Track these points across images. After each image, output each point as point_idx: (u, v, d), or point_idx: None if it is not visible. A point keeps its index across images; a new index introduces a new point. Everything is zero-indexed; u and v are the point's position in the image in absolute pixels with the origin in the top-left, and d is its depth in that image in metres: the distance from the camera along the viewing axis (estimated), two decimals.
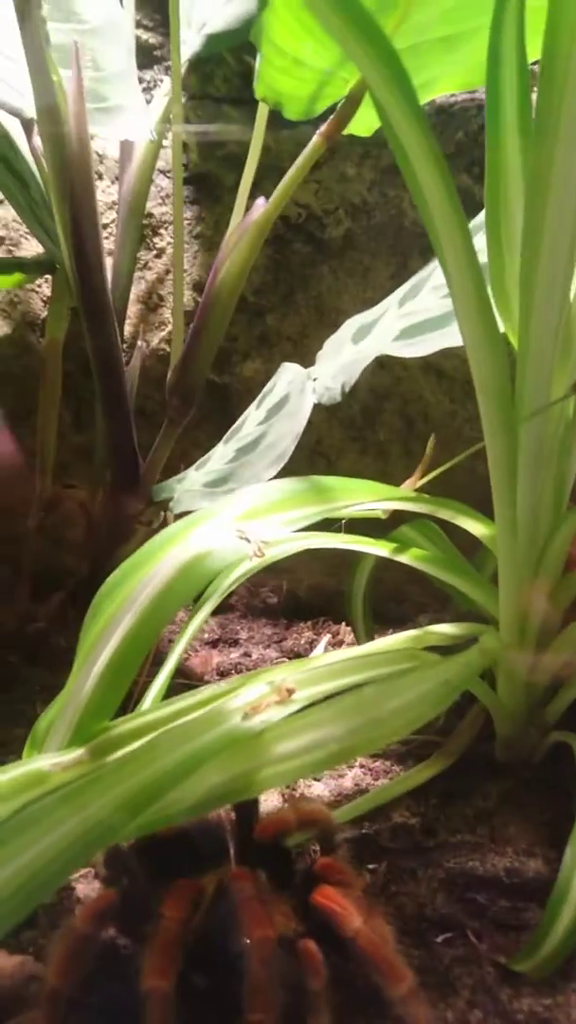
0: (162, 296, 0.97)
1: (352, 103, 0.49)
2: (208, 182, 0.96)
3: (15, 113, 0.71)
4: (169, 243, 0.98)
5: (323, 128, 0.51)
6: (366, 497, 0.56)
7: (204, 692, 0.53)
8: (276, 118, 0.79)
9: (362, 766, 0.70)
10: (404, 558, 0.62)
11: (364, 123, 0.65)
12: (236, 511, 0.52)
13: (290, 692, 0.48)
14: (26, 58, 0.61)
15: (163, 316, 0.97)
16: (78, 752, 0.52)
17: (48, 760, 0.52)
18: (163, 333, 0.97)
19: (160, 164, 0.98)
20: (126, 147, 0.87)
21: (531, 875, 0.55)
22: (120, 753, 0.50)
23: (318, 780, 0.69)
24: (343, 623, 0.94)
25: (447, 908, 0.55)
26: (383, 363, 0.90)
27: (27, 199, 0.70)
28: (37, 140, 0.66)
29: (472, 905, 0.55)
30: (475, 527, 0.59)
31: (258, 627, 0.97)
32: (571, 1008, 0.49)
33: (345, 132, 0.61)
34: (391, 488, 0.56)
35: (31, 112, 0.69)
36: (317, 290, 0.93)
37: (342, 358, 0.72)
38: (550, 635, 0.60)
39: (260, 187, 0.92)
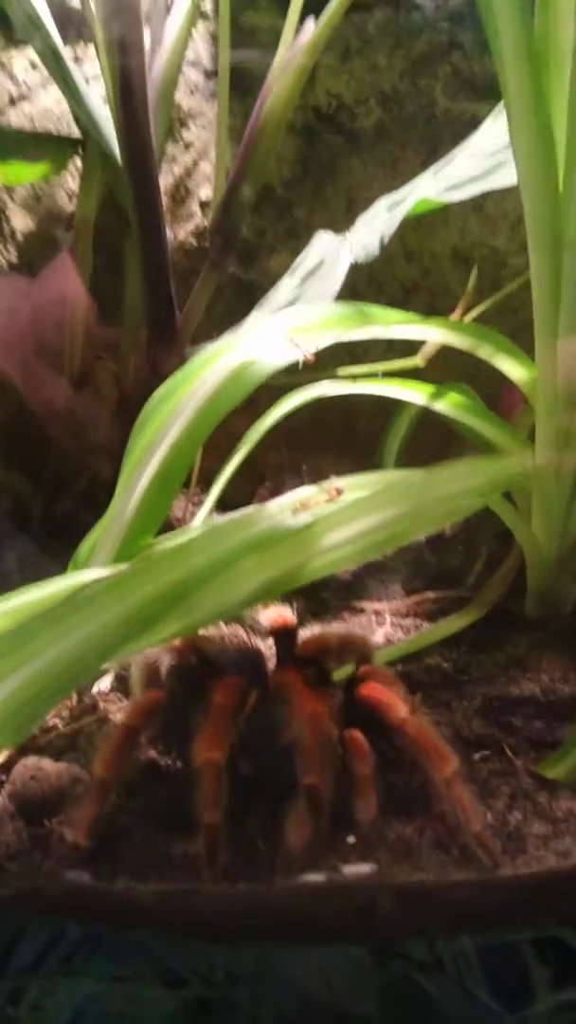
0: (189, 189, 0.97)
1: None
2: (236, 74, 0.96)
3: None
4: (197, 136, 0.98)
5: None
6: (410, 324, 0.57)
7: (249, 508, 0.54)
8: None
9: (392, 623, 0.71)
10: (441, 405, 0.62)
11: None
12: (285, 325, 0.52)
13: (339, 492, 0.48)
14: None
15: (190, 209, 0.97)
16: (123, 567, 0.53)
17: (92, 573, 0.53)
18: (190, 226, 0.97)
19: (189, 56, 0.98)
20: (156, 33, 0.86)
21: (565, 695, 0.56)
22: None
23: None
24: None
25: (483, 730, 0.56)
26: (411, 254, 0.90)
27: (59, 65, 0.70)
28: None
29: (507, 726, 0.56)
30: (514, 369, 0.60)
31: None
32: None
33: None
34: (436, 318, 0.56)
35: None
36: (347, 182, 0.93)
37: (379, 221, 0.72)
38: None
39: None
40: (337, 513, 0.47)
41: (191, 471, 0.56)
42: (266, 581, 0.48)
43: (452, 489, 0.47)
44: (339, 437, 0.99)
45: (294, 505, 0.49)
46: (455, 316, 0.61)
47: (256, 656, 0.57)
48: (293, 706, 0.46)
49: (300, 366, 0.49)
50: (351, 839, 0.45)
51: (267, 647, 0.63)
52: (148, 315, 0.68)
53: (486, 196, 0.90)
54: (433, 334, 0.57)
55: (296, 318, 0.52)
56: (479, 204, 0.87)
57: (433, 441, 0.87)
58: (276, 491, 1.05)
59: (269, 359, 0.50)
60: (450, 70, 0.89)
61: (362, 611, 0.73)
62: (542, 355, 0.57)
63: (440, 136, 0.90)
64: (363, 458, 1.01)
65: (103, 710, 0.59)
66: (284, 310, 0.52)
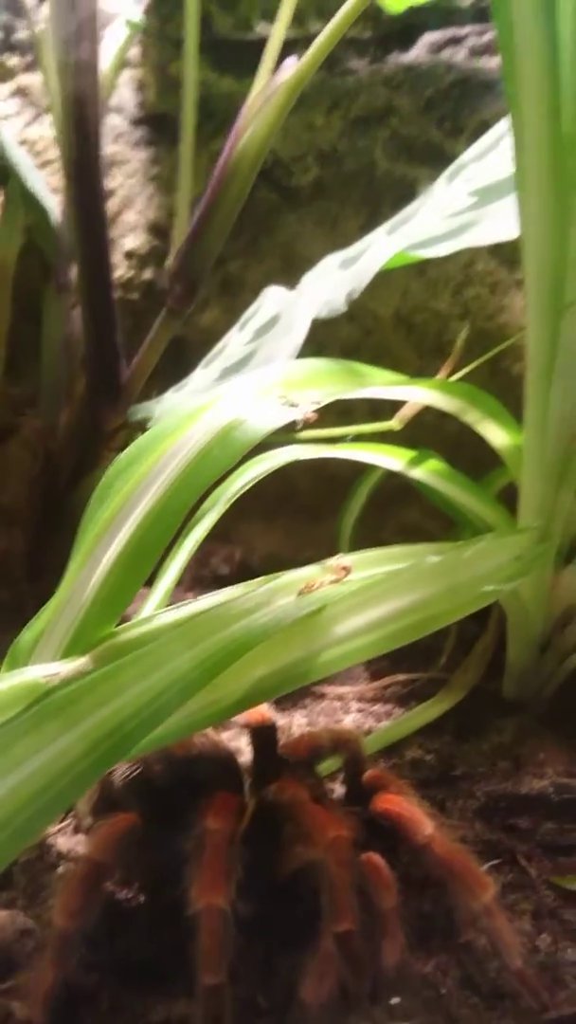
0: (112, 239, 0.91)
1: None
2: (166, 123, 0.92)
3: None
4: (121, 184, 0.92)
5: None
6: (400, 383, 0.52)
7: (233, 588, 0.46)
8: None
9: (359, 710, 0.64)
10: (416, 472, 0.58)
11: None
12: (270, 382, 0.46)
13: (346, 570, 0.42)
14: None
15: (113, 259, 0.90)
16: (81, 660, 0.44)
17: (43, 669, 0.44)
18: (113, 277, 0.90)
19: (114, 102, 0.93)
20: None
21: None
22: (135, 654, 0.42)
23: (312, 726, 0.63)
24: None
25: (489, 835, 0.50)
26: (353, 315, 0.87)
27: None
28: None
29: (514, 830, 0.50)
30: (498, 435, 0.56)
31: None
32: None
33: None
34: (426, 379, 0.52)
35: None
36: (283, 238, 0.90)
37: (337, 277, 0.68)
38: (573, 548, 0.58)
39: (214, 129, 0.89)
40: (350, 596, 0.40)
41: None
42: (266, 678, 0.41)
43: (484, 568, 0.41)
44: (276, 500, 0.94)
45: (292, 586, 0.42)
46: (441, 376, 0.58)
47: (232, 761, 0.49)
48: (309, 830, 0.38)
49: (299, 426, 0.43)
50: (394, 1000, 0.38)
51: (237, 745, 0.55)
52: (91, 367, 0.60)
53: (428, 260, 0.88)
54: (424, 395, 0.52)
55: (284, 374, 0.46)
56: (422, 268, 0.86)
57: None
58: (204, 561, 0.98)
59: (262, 418, 0.43)
60: (389, 133, 0.88)
61: (323, 696, 0.67)
62: (531, 421, 0.54)
63: (380, 197, 0.88)
64: (304, 522, 0.96)
65: (45, 833, 0.49)
66: (266, 367, 0.47)
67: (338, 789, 0.52)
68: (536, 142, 0.45)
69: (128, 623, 0.46)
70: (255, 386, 0.45)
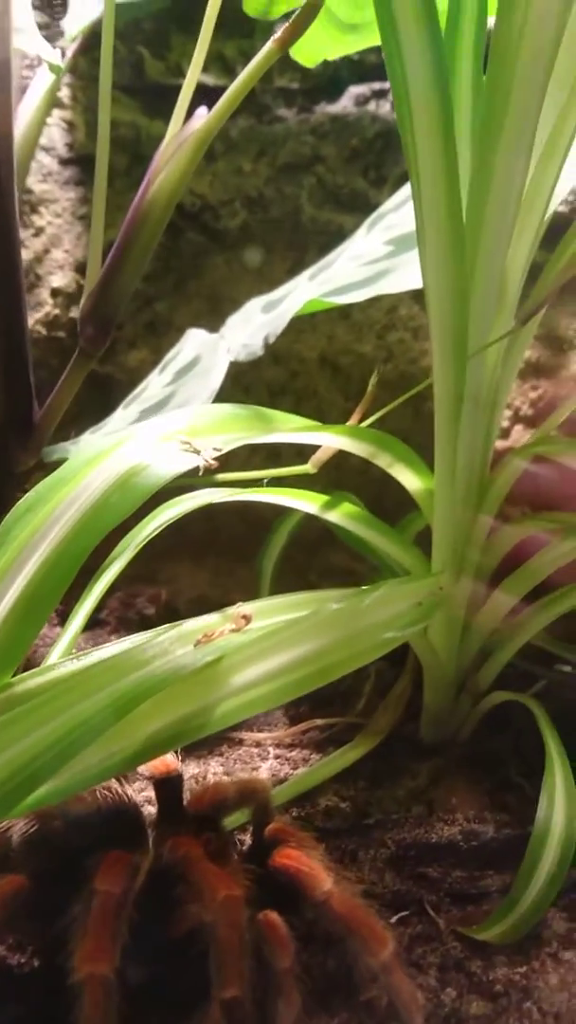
0: (39, 275, 0.90)
1: (310, 11, 0.47)
2: (94, 164, 0.92)
3: None
4: (49, 222, 0.92)
5: (278, 34, 0.49)
6: (308, 429, 0.52)
7: (137, 636, 0.46)
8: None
9: (277, 756, 0.63)
10: (332, 515, 0.58)
11: (311, 51, 0.66)
12: (174, 427, 0.46)
13: (247, 619, 0.42)
14: None
15: (40, 296, 0.90)
16: None
17: None
18: (39, 315, 0.90)
19: (43, 141, 0.93)
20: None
21: (486, 840, 0.51)
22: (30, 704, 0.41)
23: (229, 774, 0.62)
24: None
25: (399, 884, 0.49)
26: (279, 356, 0.88)
27: None
28: None
29: (424, 879, 0.50)
30: (410, 479, 0.57)
31: None
32: (549, 973, 0.44)
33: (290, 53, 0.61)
34: (335, 425, 0.52)
35: None
36: (210, 280, 0.90)
37: (258, 321, 0.68)
38: (484, 589, 0.58)
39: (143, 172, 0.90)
40: (249, 645, 0.40)
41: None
42: (161, 731, 0.40)
43: (383, 616, 0.41)
44: (203, 541, 0.93)
45: (191, 635, 0.41)
46: (353, 421, 0.58)
47: (136, 815, 0.47)
48: (200, 890, 0.37)
49: (200, 472, 0.43)
50: None
51: (143, 797, 0.53)
52: (1, 406, 0.59)
53: (352, 305, 0.90)
54: (333, 440, 0.53)
55: (189, 419, 0.46)
56: (346, 312, 0.87)
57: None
58: (128, 602, 0.96)
59: (163, 464, 0.43)
60: (315, 180, 0.90)
61: (240, 743, 0.65)
62: (441, 466, 0.55)
63: (306, 243, 0.89)
64: (232, 563, 0.95)
65: None
66: (173, 411, 0.46)
67: (248, 840, 0.51)
68: (433, 197, 0.46)
69: (24, 674, 0.45)
70: (158, 431, 0.45)
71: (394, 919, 0.47)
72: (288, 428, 0.50)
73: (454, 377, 0.51)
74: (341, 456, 0.65)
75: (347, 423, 0.57)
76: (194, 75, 0.51)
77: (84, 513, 0.43)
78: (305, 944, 0.42)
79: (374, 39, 0.72)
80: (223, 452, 0.43)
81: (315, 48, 0.68)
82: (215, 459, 0.43)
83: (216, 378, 0.64)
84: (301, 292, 0.68)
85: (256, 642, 0.40)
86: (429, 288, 0.49)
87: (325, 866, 0.40)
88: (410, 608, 0.43)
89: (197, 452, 0.43)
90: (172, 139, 0.51)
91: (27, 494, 0.45)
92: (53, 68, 0.69)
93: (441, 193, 0.45)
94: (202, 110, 0.51)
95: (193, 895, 0.38)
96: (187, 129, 0.50)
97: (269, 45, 0.50)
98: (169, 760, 0.49)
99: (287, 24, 0.49)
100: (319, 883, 0.39)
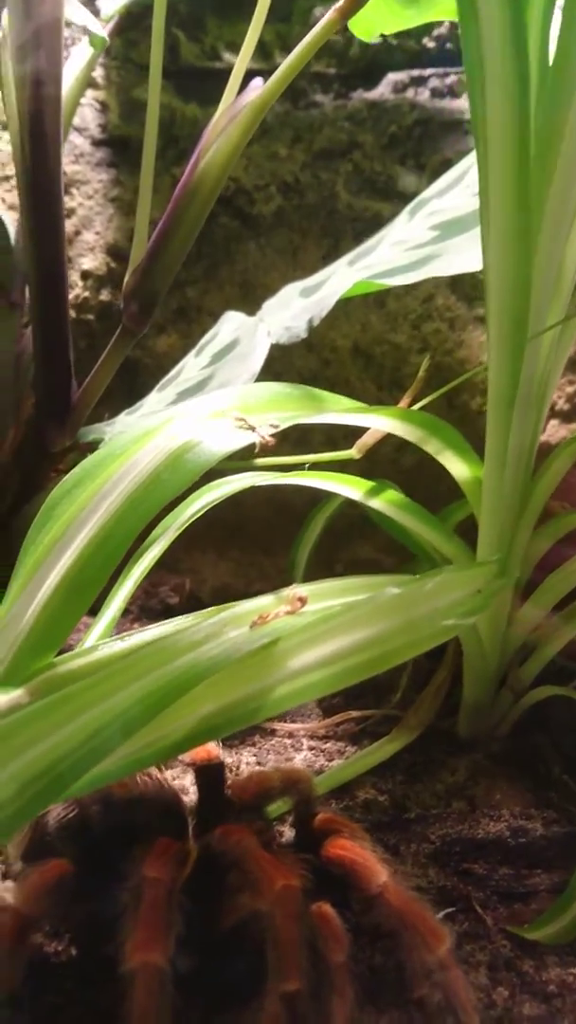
0: (70, 258, 0.89)
1: None
2: (129, 146, 0.91)
3: None
4: (80, 204, 0.91)
5: (340, 3, 0.48)
6: (358, 411, 0.51)
7: (182, 618, 0.44)
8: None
9: (311, 748, 0.62)
10: (374, 502, 0.57)
11: (369, 24, 0.67)
12: (225, 404, 0.44)
13: (302, 601, 0.40)
14: None
15: (70, 279, 0.89)
16: (16, 693, 0.41)
17: None
18: (69, 297, 0.88)
19: (76, 122, 0.92)
20: None
21: (535, 837, 0.49)
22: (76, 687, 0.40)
23: (262, 764, 0.60)
24: None
25: (443, 880, 0.48)
26: (312, 345, 0.87)
27: None
28: None
29: (470, 875, 0.48)
30: (458, 466, 0.55)
31: None
32: None
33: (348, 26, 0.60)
34: (386, 407, 0.51)
35: None
36: (243, 267, 0.89)
37: (298, 304, 0.67)
38: (531, 583, 0.57)
39: (177, 155, 0.88)
40: (305, 629, 0.39)
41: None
42: (215, 714, 0.39)
43: (443, 602, 0.40)
44: (228, 530, 0.92)
45: (245, 617, 0.40)
46: (403, 405, 0.57)
47: (176, 803, 0.46)
48: (256, 879, 0.36)
49: (256, 450, 0.41)
50: None
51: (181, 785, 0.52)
52: (40, 385, 0.58)
53: (388, 293, 0.89)
54: (384, 423, 0.51)
55: (239, 397, 0.45)
56: (381, 301, 0.86)
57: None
58: (152, 591, 0.95)
59: (217, 441, 0.42)
60: (352, 167, 0.89)
61: (273, 733, 0.64)
62: (491, 453, 0.53)
63: (341, 230, 0.88)
64: (257, 554, 0.94)
65: None
66: (220, 390, 0.45)
67: (288, 832, 0.50)
68: (502, 174, 0.45)
69: (68, 654, 0.43)
70: (210, 408, 0.44)
71: (440, 915, 0.46)
72: (339, 409, 0.49)
73: (511, 362, 0.50)
74: (372, 447, 0.64)
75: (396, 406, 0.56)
76: (249, 47, 0.50)
77: (134, 490, 0.41)
78: (353, 937, 0.40)
79: (433, 14, 0.71)
80: (279, 429, 0.42)
81: (374, 21, 0.67)
82: (272, 436, 0.41)
83: (257, 361, 0.62)
84: (343, 277, 0.67)
85: (312, 625, 0.39)
86: (491, 270, 0.48)
87: (379, 858, 0.39)
88: (470, 596, 0.41)
89: (252, 429, 0.42)
90: (224, 111, 0.50)
91: (73, 470, 0.44)
92: (94, 41, 0.67)
93: (510, 174, 0.44)
94: (257, 81, 0.50)
95: (246, 885, 0.37)
96: (240, 101, 0.49)
97: (330, 15, 0.49)
98: (211, 747, 0.47)
99: None
100: (375, 875, 0.38)
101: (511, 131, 0.44)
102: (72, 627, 0.43)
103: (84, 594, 0.42)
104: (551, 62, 0.46)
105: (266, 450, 0.41)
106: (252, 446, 0.43)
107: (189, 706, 0.39)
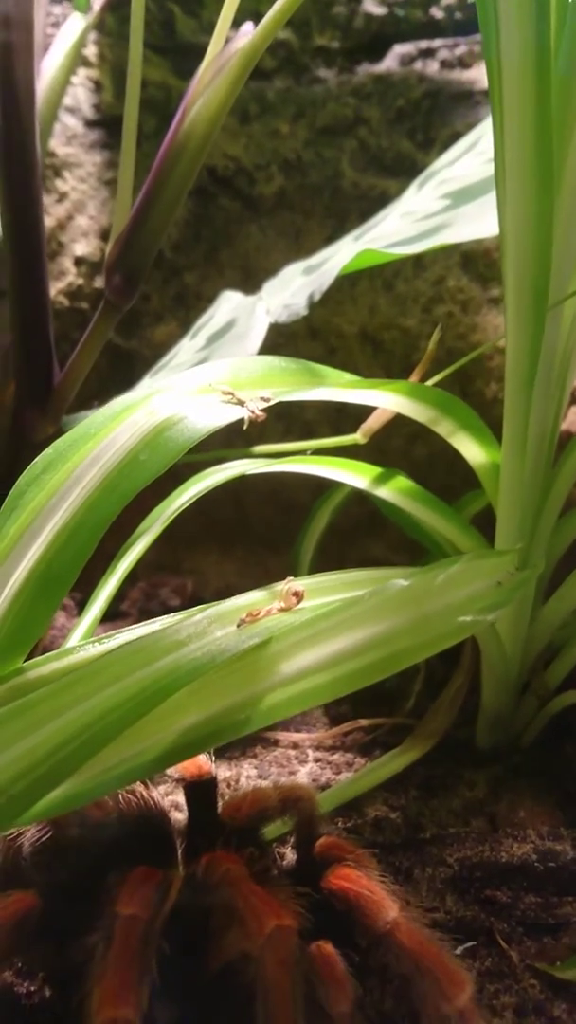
0: (62, 243, 0.85)
1: None
2: (122, 125, 0.86)
3: None
4: (73, 187, 0.86)
5: None
6: (361, 386, 0.46)
7: (167, 617, 0.40)
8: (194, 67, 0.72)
9: (317, 760, 0.57)
10: (383, 491, 0.52)
11: None
12: (214, 378, 0.40)
13: (298, 597, 0.36)
14: None
15: (63, 265, 0.84)
16: None
17: None
18: (62, 284, 0.84)
19: (67, 102, 0.88)
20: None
21: (566, 861, 0.44)
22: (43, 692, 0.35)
23: (263, 778, 0.56)
24: None
25: (462, 911, 0.43)
26: (316, 331, 0.82)
27: None
28: None
29: (492, 903, 0.43)
30: (474, 450, 0.50)
31: None
32: None
33: None
34: (395, 381, 0.46)
35: None
36: (244, 249, 0.85)
37: (298, 282, 0.62)
38: (554, 578, 0.52)
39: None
40: (301, 628, 0.34)
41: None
42: (197, 726, 0.34)
43: (458, 596, 0.35)
44: (231, 528, 0.87)
45: (233, 615, 0.35)
46: (414, 378, 0.52)
47: (163, 823, 0.41)
48: (245, 917, 0.31)
49: (245, 426, 0.37)
50: None
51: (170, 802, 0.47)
52: (20, 370, 0.53)
53: (397, 275, 0.84)
54: (390, 400, 0.47)
55: (230, 370, 0.40)
56: (390, 283, 0.81)
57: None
58: (152, 593, 0.90)
59: (201, 417, 0.37)
60: (357, 144, 0.84)
61: (276, 744, 0.59)
62: (510, 436, 0.48)
63: (347, 209, 0.83)
64: (262, 553, 0.89)
65: None
66: (211, 363, 0.40)
67: (289, 855, 0.45)
68: (520, 132, 0.40)
69: (38, 658, 0.39)
70: (196, 382, 0.39)
71: (459, 950, 0.41)
72: (340, 384, 0.44)
73: (531, 337, 0.45)
74: (382, 437, 0.59)
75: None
76: (232, 3, 0.45)
77: (109, 473, 0.37)
78: (359, 977, 0.35)
79: None
80: (271, 404, 0.37)
81: None
82: (262, 411, 0.37)
83: (255, 340, 0.58)
84: (347, 251, 0.62)
85: (310, 624, 0.34)
86: (508, 237, 0.43)
87: (388, 890, 0.34)
88: (489, 588, 0.36)
89: (241, 403, 0.37)
90: (212, 61, 0.45)
91: (44, 451, 0.39)
92: (78, 4, 0.63)
93: (529, 132, 0.39)
94: (248, 26, 0.45)
95: (235, 922, 0.32)
96: (230, 48, 0.45)
97: None
98: (202, 761, 0.43)
99: None
100: (383, 911, 0.33)
101: (530, 86, 0.39)
102: (43, 627, 0.39)
103: (54, 591, 0.38)
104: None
105: (256, 425, 0.37)
106: (254, 420, 0.38)
107: (169, 716, 0.34)
